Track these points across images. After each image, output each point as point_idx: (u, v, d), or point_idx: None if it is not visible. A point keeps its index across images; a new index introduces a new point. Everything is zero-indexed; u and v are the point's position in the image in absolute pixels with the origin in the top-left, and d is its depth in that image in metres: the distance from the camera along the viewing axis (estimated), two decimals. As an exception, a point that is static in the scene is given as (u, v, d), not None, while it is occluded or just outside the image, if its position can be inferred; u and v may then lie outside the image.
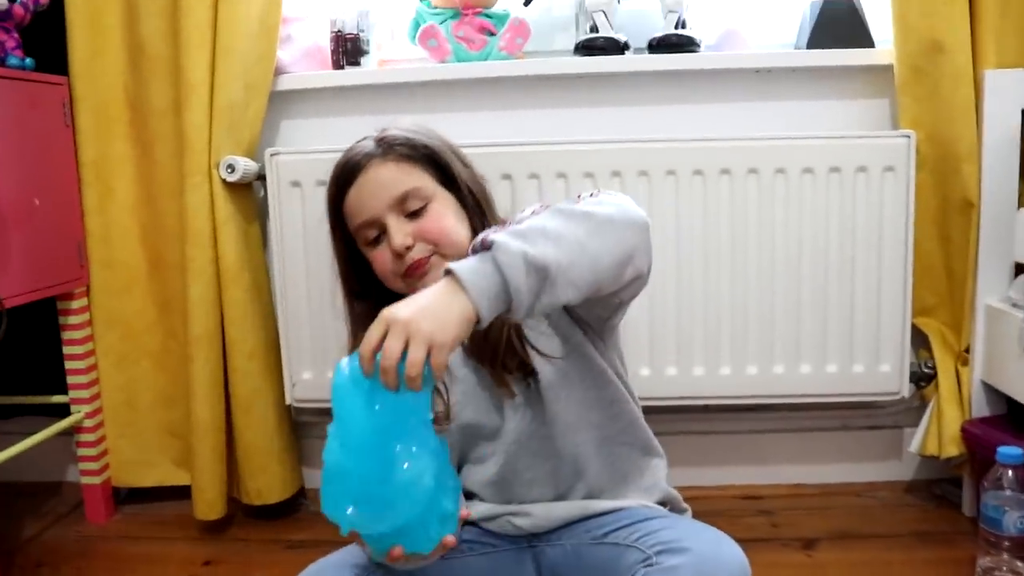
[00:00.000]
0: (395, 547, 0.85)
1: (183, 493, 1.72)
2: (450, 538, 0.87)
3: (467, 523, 1.14)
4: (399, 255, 1.07)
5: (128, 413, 1.77)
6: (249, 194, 1.67)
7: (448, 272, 0.82)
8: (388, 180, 1.09)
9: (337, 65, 1.72)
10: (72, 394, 1.72)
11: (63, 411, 1.73)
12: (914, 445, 1.60)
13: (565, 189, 1.53)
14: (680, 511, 1.17)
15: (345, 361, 0.82)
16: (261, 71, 1.60)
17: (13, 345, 1.63)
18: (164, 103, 1.65)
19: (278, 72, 1.66)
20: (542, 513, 1.10)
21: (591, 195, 0.97)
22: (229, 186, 1.59)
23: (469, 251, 0.85)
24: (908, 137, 1.50)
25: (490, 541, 1.14)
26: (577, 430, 1.10)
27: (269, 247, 1.69)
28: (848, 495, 1.72)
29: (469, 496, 1.15)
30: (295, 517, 1.74)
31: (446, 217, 1.10)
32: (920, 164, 1.52)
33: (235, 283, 1.61)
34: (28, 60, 1.59)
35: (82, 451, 1.75)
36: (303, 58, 1.71)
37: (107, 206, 1.71)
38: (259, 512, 1.72)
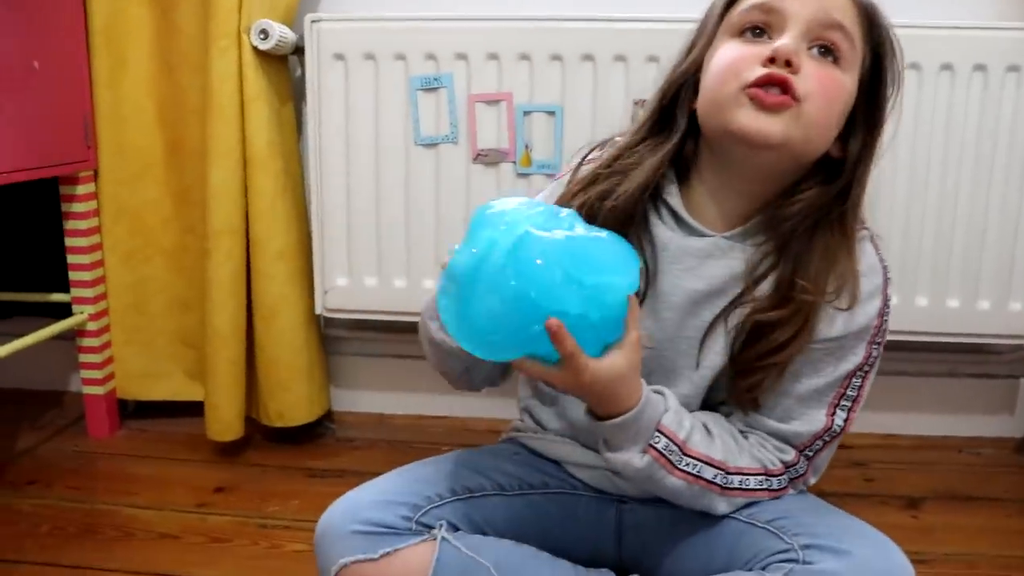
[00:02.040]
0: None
1: (196, 409, 1.55)
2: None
3: (553, 461, 0.97)
4: (772, 60, 0.79)
5: (137, 317, 1.58)
6: (284, 69, 1.45)
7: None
8: (833, 3, 0.81)
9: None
10: (74, 292, 1.53)
11: (64, 311, 1.54)
12: (1039, 397, 1.40)
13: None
14: None
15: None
16: (301, -79, 1.37)
17: (9, 234, 1.44)
18: (187, -43, 1.42)
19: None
20: None
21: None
22: (261, 56, 1.37)
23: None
24: (1073, 31, 1.26)
25: (571, 483, 0.95)
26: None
27: (304, 133, 1.47)
28: (948, 449, 1.53)
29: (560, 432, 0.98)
30: (319, 443, 1.58)
31: (843, 96, 0.82)
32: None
33: (264, 170, 1.40)
34: (29, -100, 1.36)
35: (84, 357, 1.56)
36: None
37: (119, 79, 1.49)
38: (279, 435, 1.55)
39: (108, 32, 1.47)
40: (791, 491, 0.88)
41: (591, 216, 0.85)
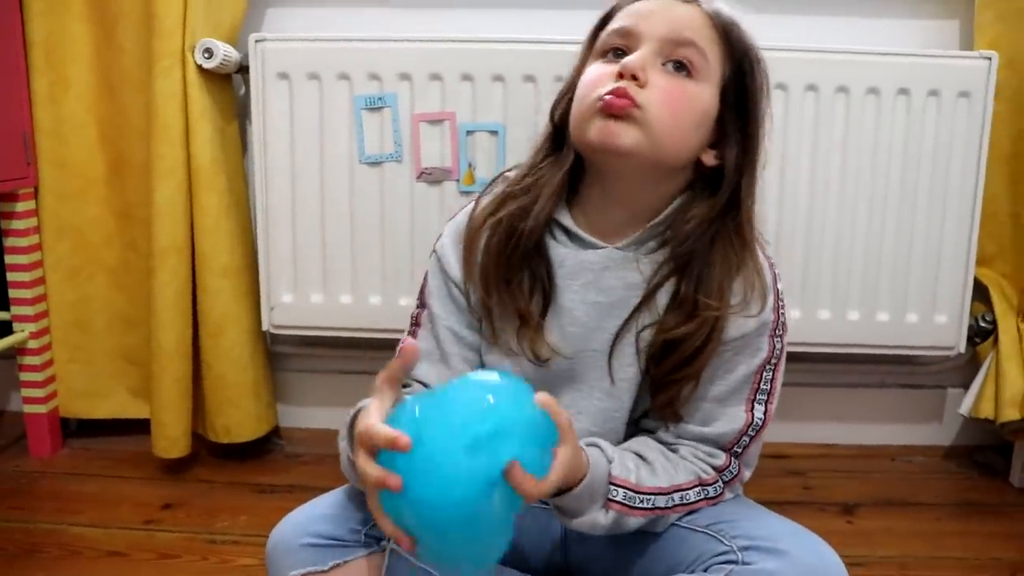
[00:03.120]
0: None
1: (141, 427, 1.54)
2: None
3: None
4: (620, 76, 0.83)
5: (79, 335, 1.56)
6: (228, 88, 1.46)
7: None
8: (683, 19, 0.85)
9: (333, -57, 1.50)
10: (15, 310, 1.51)
11: (5, 329, 1.53)
12: (965, 406, 1.45)
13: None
14: None
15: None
16: (244, -58, 1.38)
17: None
18: (129, -24, 1.42)
19: (264, -53, 1.44)
20: None
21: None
22: (206, 75, 1.37)
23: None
24: (990, 60, 1.32)
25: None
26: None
27: (249, 151, 1.47)
28: (882, 458, 1.58)
29: None
30: (266, 459, 1.58)
31: (693, 105, 0.85)
32: (996, 92, 1.34)
33: (209, 188, 1.39)
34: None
35: (26, 376, 1.54)
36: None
37: (59, 96, 1.48)
38: (226, 451, 1.55)
39: (47, 47, 1.45)
40: (728, 494, 0.91)
41: (510, 232, 0.89)
